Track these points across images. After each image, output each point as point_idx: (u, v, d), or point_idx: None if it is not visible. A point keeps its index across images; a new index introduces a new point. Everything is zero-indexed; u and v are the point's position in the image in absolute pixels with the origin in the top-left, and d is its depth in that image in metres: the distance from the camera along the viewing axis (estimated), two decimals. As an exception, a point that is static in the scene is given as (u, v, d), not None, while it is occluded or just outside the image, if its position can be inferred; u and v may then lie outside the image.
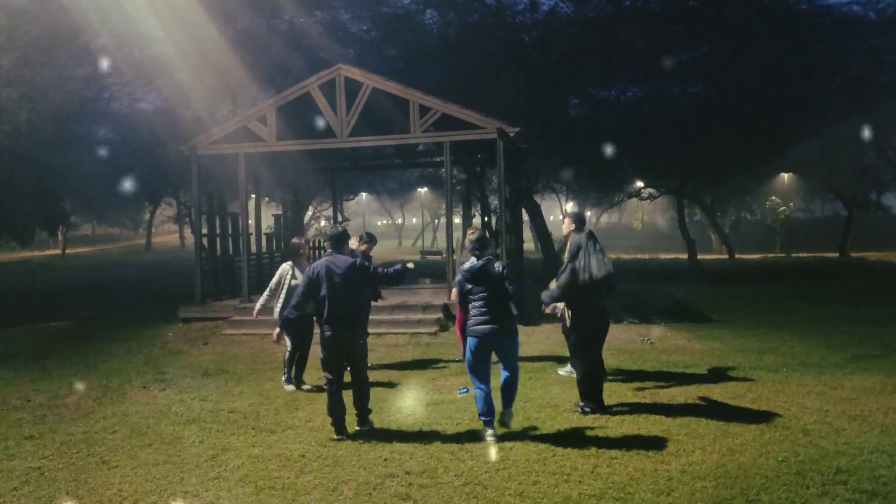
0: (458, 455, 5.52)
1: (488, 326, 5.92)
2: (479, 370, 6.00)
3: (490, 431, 5.87)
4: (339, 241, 6.31)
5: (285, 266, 8.32)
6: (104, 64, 20.41)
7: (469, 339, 6.06)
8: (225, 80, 20.87)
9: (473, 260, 6.13)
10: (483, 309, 5.96)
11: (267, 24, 22.04)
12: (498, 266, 6.10)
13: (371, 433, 6.13)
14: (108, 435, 6.43)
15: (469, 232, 8.65)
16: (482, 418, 5.93)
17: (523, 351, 8.91)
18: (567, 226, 8.16)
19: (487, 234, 9.14)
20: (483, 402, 5.93)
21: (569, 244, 7.97)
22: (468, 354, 6.07)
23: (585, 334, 6.78)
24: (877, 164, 32.49)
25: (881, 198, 43.12)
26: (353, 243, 8.08)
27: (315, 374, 7.93)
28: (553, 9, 22.74)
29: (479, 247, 6.15)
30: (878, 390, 7.24)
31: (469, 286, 6.05)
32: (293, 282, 7.98)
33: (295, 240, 8.68)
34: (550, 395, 7.33)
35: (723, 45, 22.88)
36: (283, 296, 8.08)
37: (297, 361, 8.09)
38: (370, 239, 8.80)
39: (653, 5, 22.37)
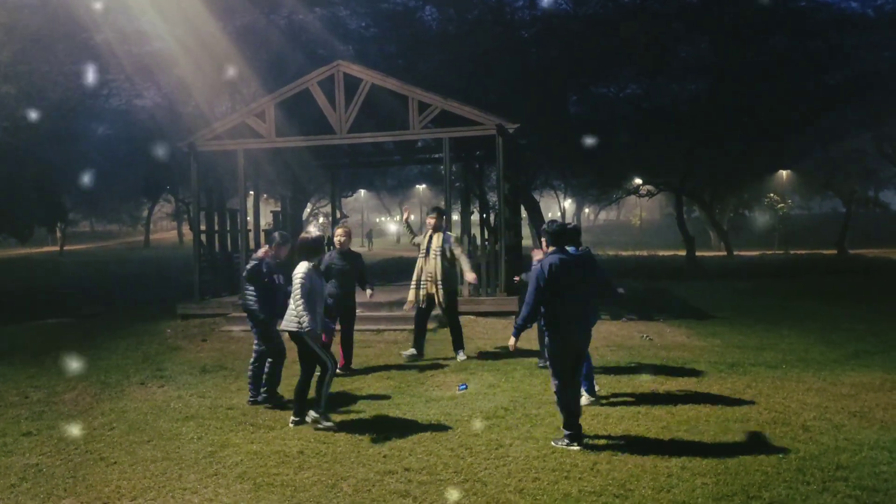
0: (457, 452, 5.51)
1: None
2: None
3: None
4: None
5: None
6: (103, 60, 20.34)
7: None
8: (224, 76, 20.82)
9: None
10: None
11: (266, 20, 22.01)
12: None
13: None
14: (107, 431, 6.41)
15: (338, 229, 8.49)
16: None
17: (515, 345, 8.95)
18: (435, 220, 7.95)
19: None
20: None
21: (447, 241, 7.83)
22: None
23: None
24: (876, 161, 32.52)
25: (879, 195, 43.29)
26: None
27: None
28: (552, 5, 22.73)
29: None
30: (878, 387, 7.25)
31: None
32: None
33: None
34: (550, 391, 7.30)
35: (722, 42, 22.88)
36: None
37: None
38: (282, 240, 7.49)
39: (652, 3, 22.35)
